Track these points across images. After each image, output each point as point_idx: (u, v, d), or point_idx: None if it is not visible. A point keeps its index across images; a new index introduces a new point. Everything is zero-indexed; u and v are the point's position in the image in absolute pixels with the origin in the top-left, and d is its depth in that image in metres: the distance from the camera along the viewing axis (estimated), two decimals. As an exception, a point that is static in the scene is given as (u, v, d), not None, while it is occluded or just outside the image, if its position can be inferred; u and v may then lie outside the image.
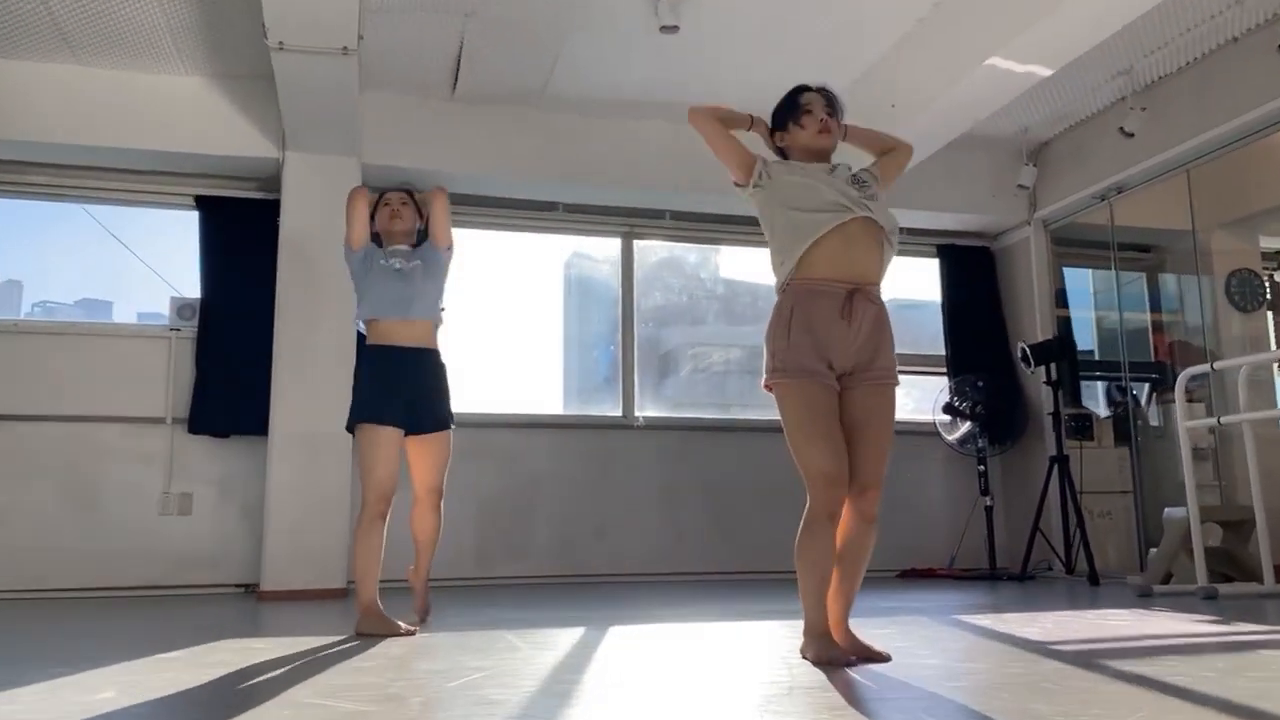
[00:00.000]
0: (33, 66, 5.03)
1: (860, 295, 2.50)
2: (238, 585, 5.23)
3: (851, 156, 2.79)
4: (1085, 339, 6.52)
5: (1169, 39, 4.92)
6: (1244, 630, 3.02)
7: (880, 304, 2.57)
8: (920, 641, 2.85)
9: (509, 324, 6.08)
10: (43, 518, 5.08)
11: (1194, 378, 5.34)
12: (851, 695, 1.96)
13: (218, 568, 5.24)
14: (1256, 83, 4.74)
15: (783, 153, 2.78)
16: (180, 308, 5.41)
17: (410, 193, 3.73)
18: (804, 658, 2.47)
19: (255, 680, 2.21)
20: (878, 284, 2.58)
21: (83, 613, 4.10)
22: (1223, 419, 4.59)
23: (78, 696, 2.01)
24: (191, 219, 5.48)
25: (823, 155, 2.69)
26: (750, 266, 6.66)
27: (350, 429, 3.40)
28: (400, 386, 3.41)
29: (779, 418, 2.54)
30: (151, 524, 5.22)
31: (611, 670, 2.35)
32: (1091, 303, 6.59)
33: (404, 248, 3.58)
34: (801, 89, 2.76)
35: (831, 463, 2.43)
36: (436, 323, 3.59)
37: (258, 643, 2.94)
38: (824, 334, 2.47)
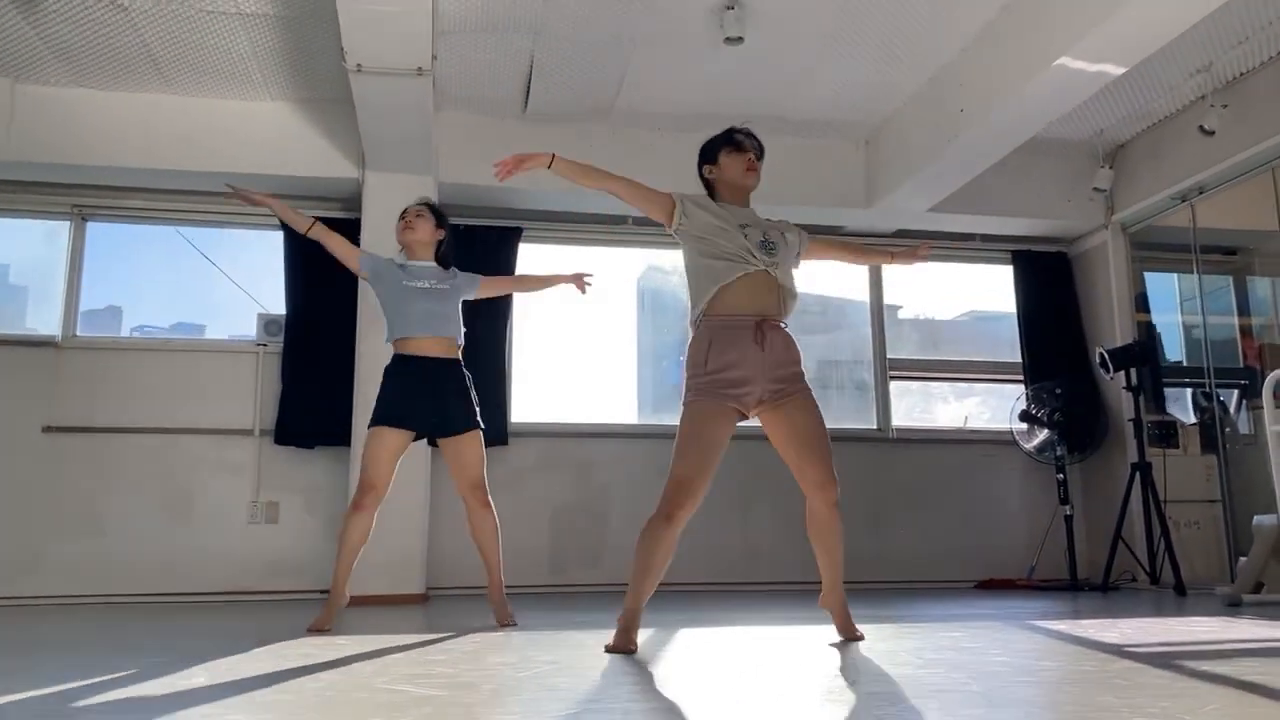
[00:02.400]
0: (128, 97, 5.32)
1: (767, 324, 2.86)
2: (322, 591, 5.39)
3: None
4: (1172, 345, 6.34)
5: (1249, 34, 4.79)
6: (1334, 636, 2.92)
7: (784, 330, 2.95)
8: (991, 643, 2.82)
9: (586, 336, 6.18)
10: (139, 526, 5.32)
11: (1284, 382, 5.17)
12: (917, 689, 1.97)
13: (303, 574, 5.41)
14: (1343, 75, 4.59)
15: (709, 185, 3.10)
16: (267, 324, 5.64)
17: (430, 204, 3.90)
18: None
19: (334, 670, 2.30)
20: (781, 319, 2.94)
21: (176, 615, 4.28)
22: (1314, 422, 4.42)
23: (173, 681, 2.12)
24: (277, 238, 5.71)
25: (744, 194, 3.03)
26: (818, 278, 6.64)
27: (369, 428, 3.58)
28: (424, 393, 3.59)
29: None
30: (240, 532, 5.43)
31: (677, 662, 2.39)
32: (1177, 308, 6.40)
33: (430, 265, 3.74)
34: (734, 129, 3.10)
35: (688, 471, 2.77)
36: (459, 342, 3.76)
37: (339, 639, 3.05)
38: (740, 359, 2.80)
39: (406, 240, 3.80)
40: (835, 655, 2.56)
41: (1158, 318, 6.34)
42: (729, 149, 3.05)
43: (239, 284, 5.84)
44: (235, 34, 4.71)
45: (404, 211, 3.87)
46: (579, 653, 2.61)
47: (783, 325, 2.96)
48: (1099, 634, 3.03)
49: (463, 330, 3.81)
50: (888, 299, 6.59)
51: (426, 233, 3.80)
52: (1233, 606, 4.22)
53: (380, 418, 3.58)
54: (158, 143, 5.33)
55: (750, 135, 3.10)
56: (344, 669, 2.31)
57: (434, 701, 1.81)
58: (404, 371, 3.65)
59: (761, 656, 2.60)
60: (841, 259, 3.42)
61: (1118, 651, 2.55)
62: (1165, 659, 2.38)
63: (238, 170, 5.40)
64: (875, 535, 5.84)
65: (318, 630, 3.37)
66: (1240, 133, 5.15)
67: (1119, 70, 4.28)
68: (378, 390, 3.69)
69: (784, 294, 2.94)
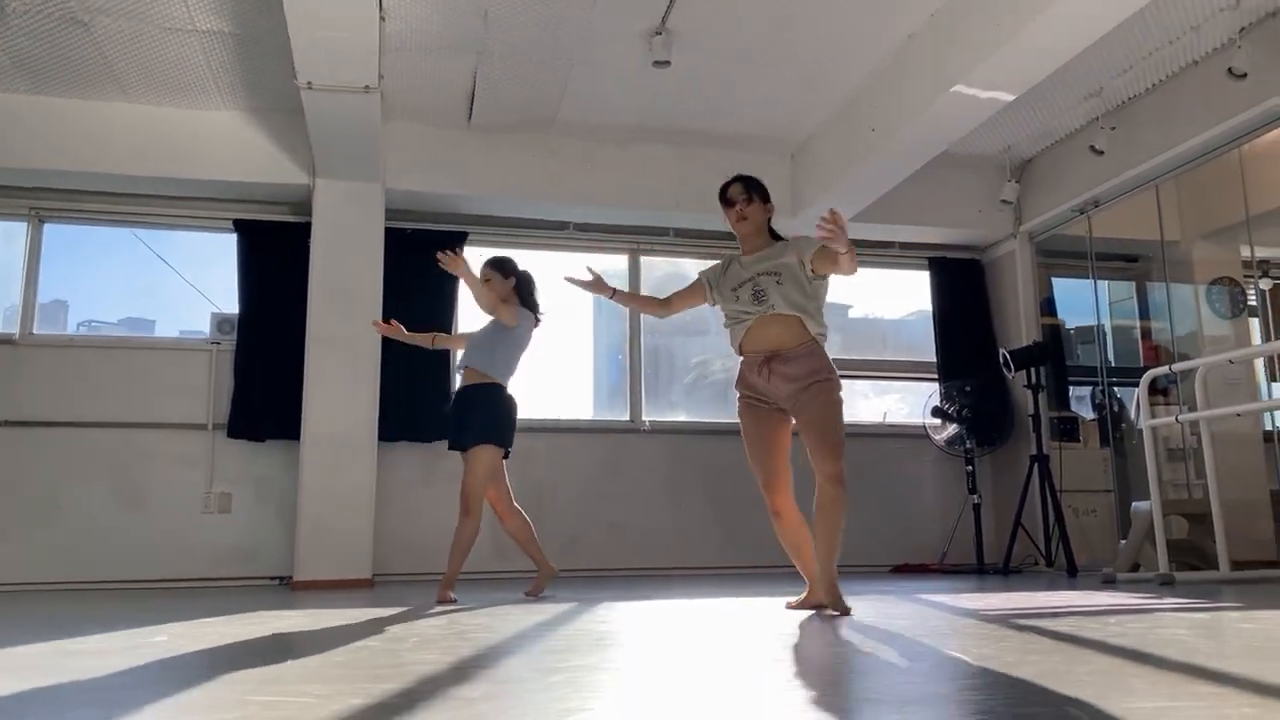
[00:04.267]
0: (87, 105, 5.55)
1: (776, 359, 3.25)
2: (273, 577, 5.68)
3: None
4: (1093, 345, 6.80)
5: (1134, 62, 5.25)
6: (1164, 603, 3.34)
7: (797, 357, 3.23)
8: (871, 612, 3.21)
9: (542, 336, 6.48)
10: (95, 516, 5.57)
11: (1170, 380, 5.67)
12: (783, 640, 2.34)
13: (255, 561, 5.69)
14: (1214, 103, 5.06)
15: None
16: (220, 322, 5.90)
17: (495, 263, 4.39)
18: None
19: (279, 629, 2.62)
20: (792, 347, 3.25)
21: (132, 599, 4.55)
22: (1181, 416, 4.90)
23: (137, 640, 2.43)
24: (230, 241, 5.97)
25: (749, 240, 3.45)
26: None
27: None
28: (450, 416, 4.36)
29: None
30: (194, 521, 5.69)
31: (593, 624, 2.74)
32: (1093, 311, 6.84)
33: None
34: (728, 183, 3.49)
35: (761, 472, 3.36)
36: (481, 368, 4.27)
37: (288, 612, 3.37)
38: (754, 383, 3.33)
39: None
40: (737, 623, 2.93)
41: (1080, 320, 6.76)
42: (722, 207, 3.48)
43: (192, 284, 6.09)
44: (192, 49, 4.97)
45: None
46: (503, 619, 2.95)
47: (802, 349, 3.22)
48: (967, 604, 3.43)
49: (493, 358, 4.29)
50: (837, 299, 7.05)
51: (501, 293, 4.30)
52: (1108, 584, 4.66)
53: None
54: (115, 148, 5.57)
55: (736, 181, 3.47)
56: (288, 629, 2.64)
57: (369, 648, 2.15)
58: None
59: (637, 620, 2.95)
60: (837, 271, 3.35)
61: (970, 614, 2.95)
62: (1002, 619, 2.78)
63: (192, 175, 5.68)
64: (799, 523, 6.24)
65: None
66: (1126, 152, 5.62)
67: (1009, 97, 4.71)
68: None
69: (792, 322, 3.23)
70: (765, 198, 3.47)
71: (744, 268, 3.40)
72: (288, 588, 5.35)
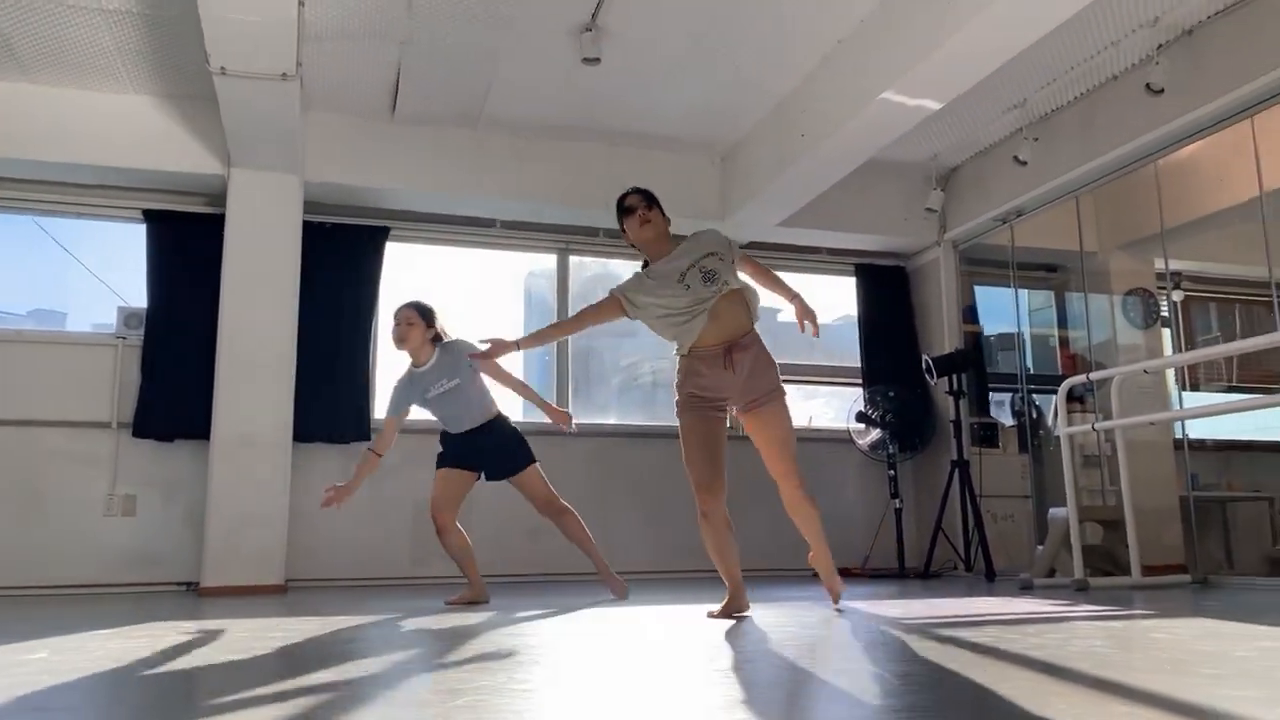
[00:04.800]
0: (-16, 84, 5.26)
1: (736, 348, 3.21)
2: (180, 584, 5.45)
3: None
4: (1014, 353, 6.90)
5: (1057, 74, 5.34)
6: (1080, 611, 3.38)
7: (752, 346, 3.26)
8: (787, 617, 3.17)
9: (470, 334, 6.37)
10: (-11, 518, 5.27)
11: (1087, 388, 5.77)
12: (697, 645, 2.28)
13: (161, 567, 5.45)
14: (1132, 117, 5.17)
15: (637, 248, 3.48)
16: (127, 317, 5.64)
17: (415, 306, 4.20)
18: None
19: (167, 644, 2.48)
20: (749, 332, 3.25)
21: (22, 607, 4.31)
22: (1097, 425, 4.99)
23: (11, 657, 2.27)
24: (139, 231, 5.71)
25: (656, 244, 3.38)
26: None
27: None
28: (474, 449, 4.23)
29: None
30: (96, 525, 5.43)
31: (508, 637, 2.65)
32: (1014, 319, 6.95)
33: (432, 367, 4.16)
34: (624, 194, 3.45)
35: (694, 472, 3.25)
36: (485, 409, 4.25)
37: (186, 624, 3.20)
38: (713, 381, 3.22)
39: (403, 350, 4.18)
40: (658, 634, 2.86)
41: (1003, 328, 6.86)
42: (623, 216, 3.42)
43: (99, 276, 5.82)
44: (98, 29, 4.74)
45: (395, 315, 4.21)
46: (411, 632, 2.84)
47: (750, 340, 3.26)
48: (888, 611, 3.42)
49: (485, 398, 4.27)
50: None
51: (417, 341, 4.16)
52: (1025, 590, 4.71)
53: (441, 462, 4.28)
54: (13, 131, 5.28)
55: (634, 192, 3.43)
56: (186, 643, 2.50)
57: (259, 666, 2.03)
58: (453, 438, 4.28)
59: (554, 632, 2.88)
60: (756, 280, 3.51)
61: (891, 623, 2.93)
62: (923, 629, 2.76)
63: (101, 162, 5.42)
64: (724, 527, 6.21)
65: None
66: (1048, 163, 5.72)
67: (936, 105, 4.74)
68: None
69: (741, 302, 3.27)
70: (663, 211, 3.46)
71: (673, 261, 3.34)
72: (195, 594, 5.14)
